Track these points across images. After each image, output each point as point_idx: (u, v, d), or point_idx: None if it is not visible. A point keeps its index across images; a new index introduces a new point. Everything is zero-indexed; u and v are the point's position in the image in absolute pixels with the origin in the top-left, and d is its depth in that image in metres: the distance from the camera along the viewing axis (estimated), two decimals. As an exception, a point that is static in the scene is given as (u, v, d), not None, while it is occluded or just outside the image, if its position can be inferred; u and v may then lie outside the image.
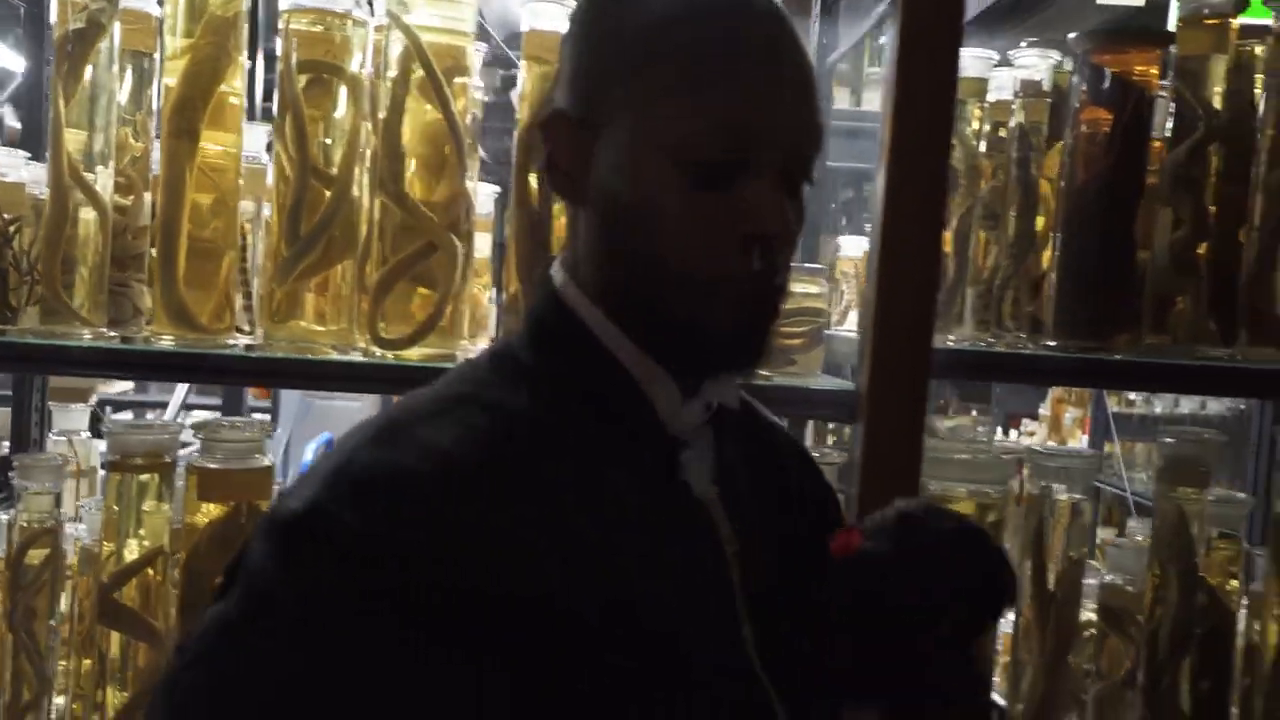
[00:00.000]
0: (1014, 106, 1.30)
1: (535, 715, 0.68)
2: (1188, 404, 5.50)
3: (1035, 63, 1.29)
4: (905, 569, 0.77)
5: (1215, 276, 1.24)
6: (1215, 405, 5.20)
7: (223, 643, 0.68)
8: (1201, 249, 1.24)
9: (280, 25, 1.20)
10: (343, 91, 1.22)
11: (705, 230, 0.69)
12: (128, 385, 4.46)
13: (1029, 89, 1.28)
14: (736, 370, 0.77)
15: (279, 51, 1.20)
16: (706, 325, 0.71)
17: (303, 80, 1.21)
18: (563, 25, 1.24)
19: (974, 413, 5.77)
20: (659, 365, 0.75)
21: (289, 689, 0.65)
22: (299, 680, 0.65)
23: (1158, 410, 5.90)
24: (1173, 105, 1.24)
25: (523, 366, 0.76)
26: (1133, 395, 5.97)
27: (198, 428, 1.22)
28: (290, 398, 4.47)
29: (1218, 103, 1.24)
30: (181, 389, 3.45)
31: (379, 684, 0.65)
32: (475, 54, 1.32)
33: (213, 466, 1.21)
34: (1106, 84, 1.20)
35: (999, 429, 5.53)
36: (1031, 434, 5.54)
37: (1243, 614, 1.36)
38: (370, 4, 1.25)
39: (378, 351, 1.20)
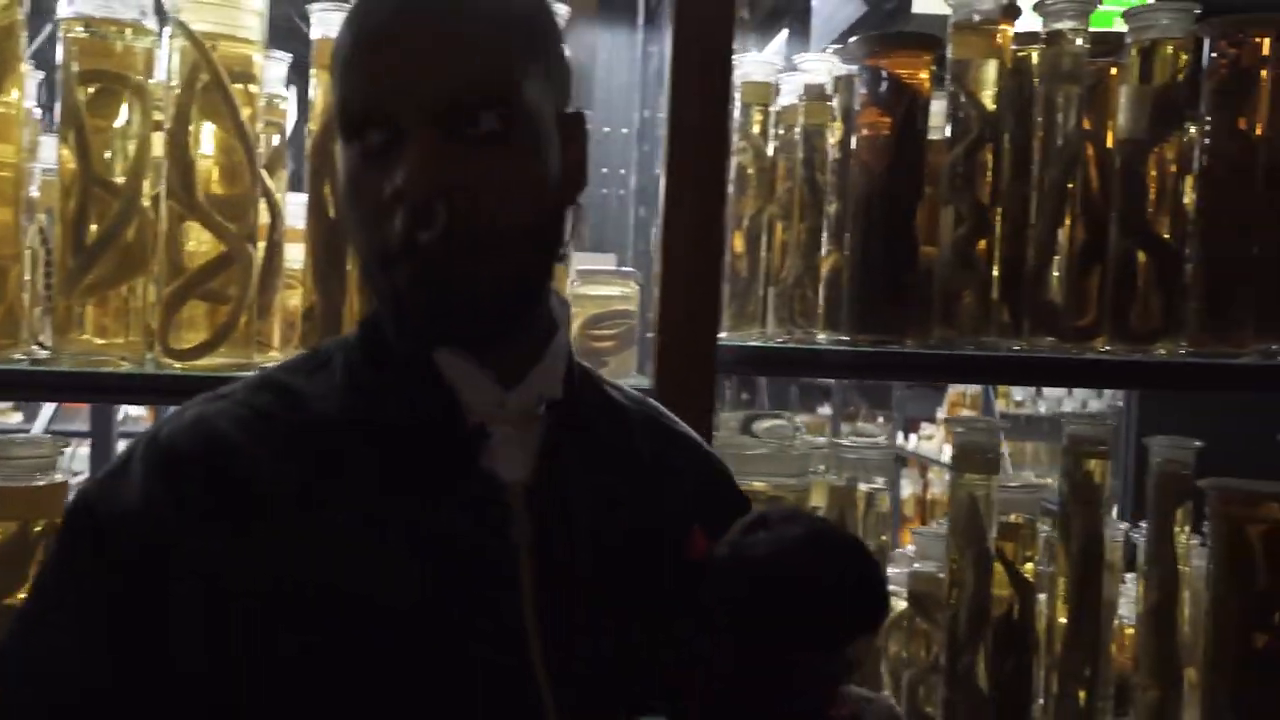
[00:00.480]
0: (799, 110, 1.34)
1: (274, 702, 0.69)
2: (1070, 403, 5.68)
3: (817, 67, 1.33)
4: (758, 573, 0.77)
5: (1003, 270, 1.29)
6: (1096, 403, 5.37)
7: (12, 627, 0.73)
8: (981, 245, 1.29)
9: (60, 34, 1.19)
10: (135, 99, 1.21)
11: (372, 202, 0.70)
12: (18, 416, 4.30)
13: (811, 93, 1.32)
14: (467, 336, 0.74)
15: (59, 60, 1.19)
16: (399, 297, 0.71)
17: (91, 90, 1.20)
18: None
19: (880, 419, 5.89)
20: (461, 356, 0.75)
21: (48, 665, 0.70)
22: (58, 655, 0.69)
23: (1043, 410, 6.08)
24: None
25: (335, 359, 0.78)
26: (1019, 394, 6.14)
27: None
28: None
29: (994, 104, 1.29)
30: (44, 415, 3.35)
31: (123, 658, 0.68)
32: (273, 63, 1.33)
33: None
34: (882, 87, 1.25)
35: (900, 433, 5.66)
36: (930, 437, 5.63)
37: (1043, 597, 1.42)
38: (161, 13, 1.24)
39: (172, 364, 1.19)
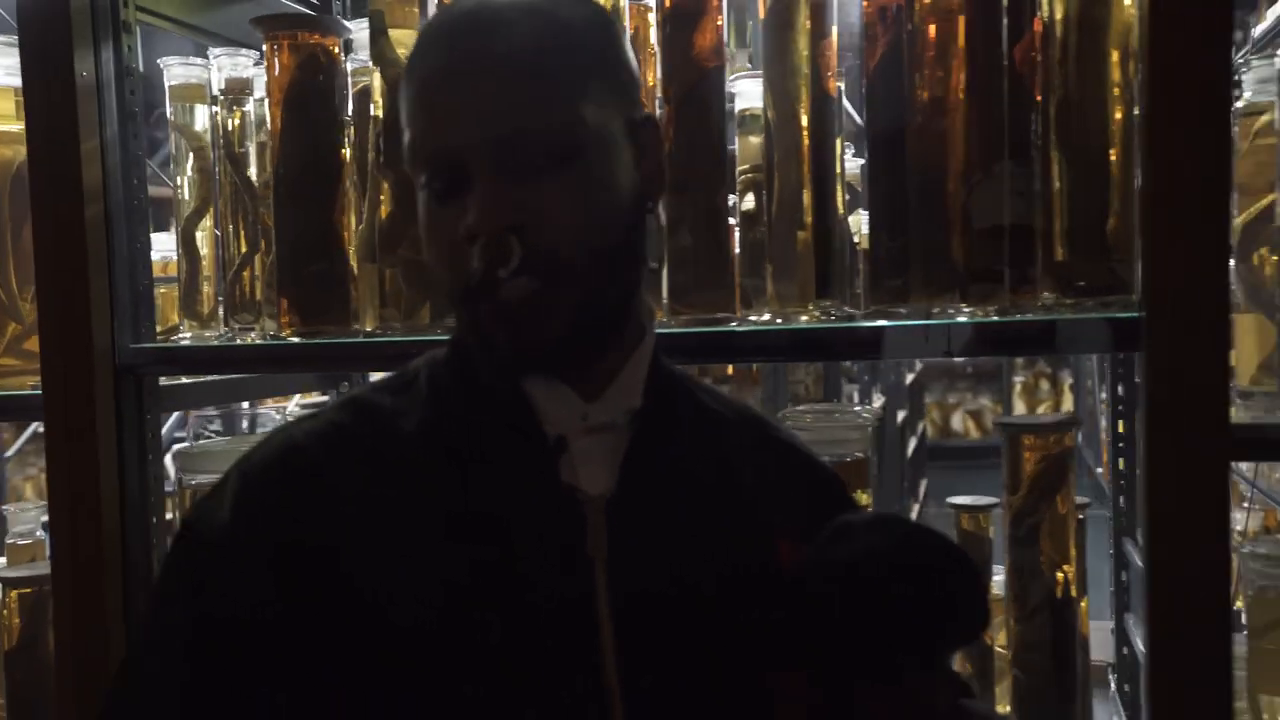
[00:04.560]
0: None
1: (345, 714, 0.72)
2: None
3: (236, 62, 1.29)
4: (841, 584, 0.75)
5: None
6: None
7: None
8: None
9: None
10: None
11: (448, 242, 0.72)
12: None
13: (234, 86, 1.28)
14: (554, 365, 0.75)
15: None
16: (483, 330, 0.73)
17: None
18: None
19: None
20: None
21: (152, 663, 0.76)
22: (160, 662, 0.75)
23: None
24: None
25: (421, 376, 0.80)
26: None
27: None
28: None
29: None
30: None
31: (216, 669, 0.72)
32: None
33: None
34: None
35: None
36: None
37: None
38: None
39: None
